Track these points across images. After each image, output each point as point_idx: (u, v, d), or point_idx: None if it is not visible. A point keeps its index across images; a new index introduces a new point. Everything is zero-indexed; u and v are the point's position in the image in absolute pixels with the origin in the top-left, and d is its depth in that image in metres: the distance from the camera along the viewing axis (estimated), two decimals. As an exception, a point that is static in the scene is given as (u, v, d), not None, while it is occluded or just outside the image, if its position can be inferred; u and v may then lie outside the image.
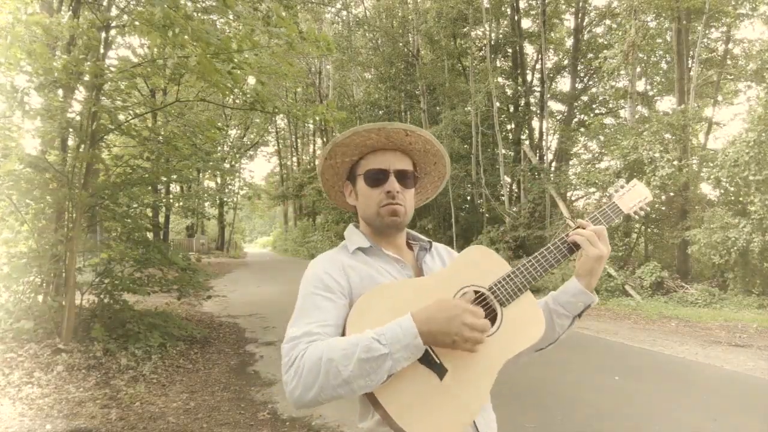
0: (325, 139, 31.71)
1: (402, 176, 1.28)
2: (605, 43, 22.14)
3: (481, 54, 24.17)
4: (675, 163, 13.60)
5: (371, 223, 1.31)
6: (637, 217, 1.44)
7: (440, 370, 1.10)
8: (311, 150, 40.46)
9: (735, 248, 11.49)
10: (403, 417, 1.06)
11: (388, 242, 1.32)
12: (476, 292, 1.22)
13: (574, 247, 1.31)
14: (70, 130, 5.91)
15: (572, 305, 1.31)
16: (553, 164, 22.93)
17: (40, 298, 6.06)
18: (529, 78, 25.38)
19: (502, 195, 21.63)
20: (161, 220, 19.90)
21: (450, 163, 1.40)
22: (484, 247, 1.31)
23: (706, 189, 15.15)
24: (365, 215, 1.31)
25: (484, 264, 1.26)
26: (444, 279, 1.23)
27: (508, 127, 25.49)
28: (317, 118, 7.49)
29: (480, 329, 1.07)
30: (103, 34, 5.98)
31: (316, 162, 1.37)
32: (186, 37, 4.99)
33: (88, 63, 5.46)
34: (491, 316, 1.20)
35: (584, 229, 1.31)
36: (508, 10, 24.72)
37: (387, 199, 1.25)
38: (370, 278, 1.22)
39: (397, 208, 1.26)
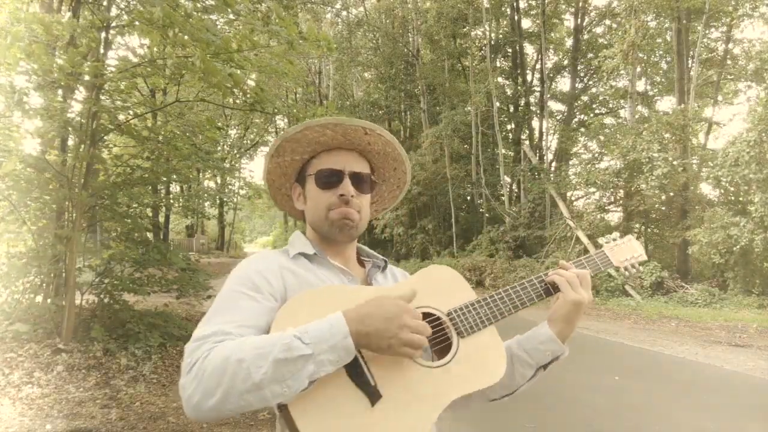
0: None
1: (358, 179, 1.13)
2: (605, 43, 22.15)
3: (481, 54, 24.18)
4: (675, 163, 13.61)
5: (319, 229, 1.15)
6: (627, 273, 1.35)
7: (373, 395, 0.93)
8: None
9: (737, 246, 11.50)
10: None
11: (335, 252, 1.16)
12: (431, 314, 1.07)
13: (552, 289, 1.17)
14: (70, 129, 5.91)
15: (539, 354, 1.15)
16: (553, 164, 22.95)
17: (40, 298, 6.06)
18: (529, 78, 25.43)
19: (502, 195, 21.64)
20: (161, 220, 19.92)
21: (411, 169, 1.26)
22: (451, 269, 1.16)
23: (706, 189, 15.18)
24: (313, 220, 1.16)
25: (446, 286, 1.12)
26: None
27: (508, 127, 25.52)
28: (317, 119, 7.48)
29: (420, 331, 0.93)
30: (103, 34, 5.97)
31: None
32: (186, 37, 4.99)
33: (88, 63, 5.45)
34: (445, 345, 1.07)
35: (566, 270, 1.18)
36: (508, 10, 24.75)
37: (339, 203, 1.11)
38: (309, 285, 1.06)
39: (350, 212, 1.11)
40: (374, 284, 1.18)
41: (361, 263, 1.24)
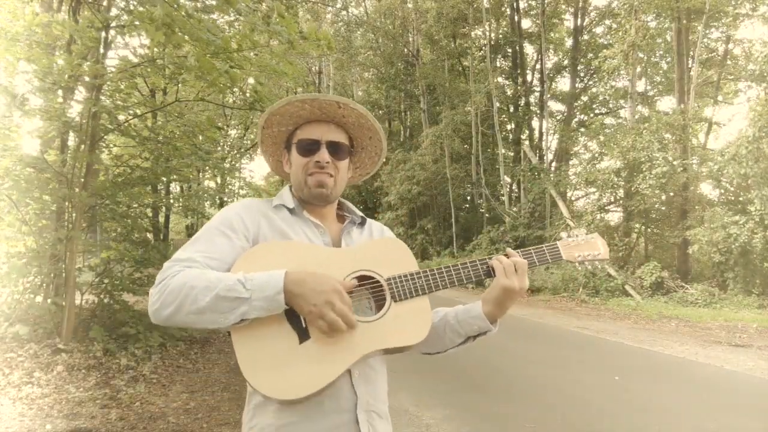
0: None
1: (334, 148, 1.28)
2: (605, 43, 22.14)
3: (481, 54, 24.17)
4: (675, 162, 13.62)
5: (299, 193, 1.31)
6: (580, 268, 1.42)
7: (303, 335, 1.11)
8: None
9: (737, 245, 11.50)
10: (249, 364, 1.08)
11: (313, 211, 1.32)
12: (372, 277, 1.22)
13: (492, 272, 1.27)
14: (70, 131, 5.91)
15: (468, 326, 1.29)
16: (553, 164, 22.93)
17: (40, 298, 6.05)
18: (529, 78, 25.41)
19: (502, 195, 21.63)
20: (161, 220, 19.90)
21: (386, 138, 1.39)
22: (401, 243, 1.31)
23: (706, 189, 15.17)
24: (294, 183, 1.32)
25: (393, 256, 1.26)
26: (348, 256, 1.23)
27: (508, 127, 25.49)
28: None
29: (341, 315, 1.07)
30: (103, 34, 5.97)
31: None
32: (185, 37, 4.99)
33: (88, 63, 5.45)
34: (379, 304, 1.21)
35: (507, 257, 1.28)
36: (508, 10, 24.73)
37: (315, 168, 1.26)
38: (280, 231, 1.23)
39: (324, 179, 1.26)
40: (346, 239, 1.32)
41: (342, 219, 1.38)
